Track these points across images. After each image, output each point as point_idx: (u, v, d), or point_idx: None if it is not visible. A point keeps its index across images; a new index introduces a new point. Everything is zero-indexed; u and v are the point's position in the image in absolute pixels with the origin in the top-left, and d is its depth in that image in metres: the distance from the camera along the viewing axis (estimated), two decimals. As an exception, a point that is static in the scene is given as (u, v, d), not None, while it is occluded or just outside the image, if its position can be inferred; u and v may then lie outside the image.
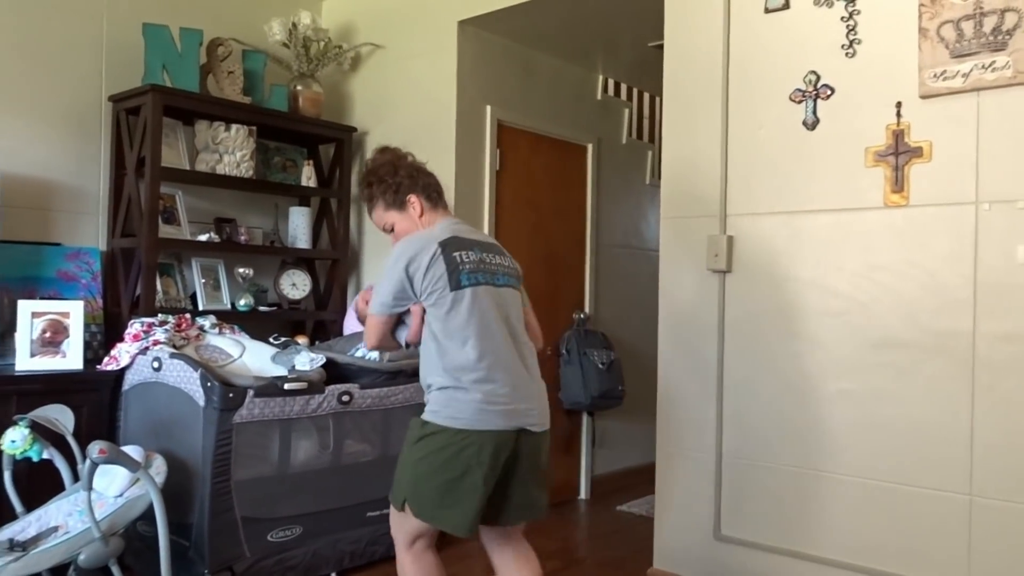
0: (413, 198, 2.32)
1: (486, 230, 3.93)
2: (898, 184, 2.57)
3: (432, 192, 2.36)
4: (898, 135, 2.57)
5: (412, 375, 3.30)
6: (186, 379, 2.84)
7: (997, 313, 2.39)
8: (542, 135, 4.29)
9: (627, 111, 4.95)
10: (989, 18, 2.37)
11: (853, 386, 2.66)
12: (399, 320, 2.26)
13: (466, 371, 2.09)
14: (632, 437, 4.78)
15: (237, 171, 3.63)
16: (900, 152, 2.57)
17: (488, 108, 3.94)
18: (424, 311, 2.17)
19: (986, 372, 2.41)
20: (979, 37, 2.39)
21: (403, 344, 2.29)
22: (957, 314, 2.46)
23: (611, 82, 4.90)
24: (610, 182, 4.74)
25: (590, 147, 4.58)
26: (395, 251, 2.23)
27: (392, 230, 2.36)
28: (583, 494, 4.56)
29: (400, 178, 2.32)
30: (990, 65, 2.37)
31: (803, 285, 2.78)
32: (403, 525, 2.21)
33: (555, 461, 4.03)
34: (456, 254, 2.17)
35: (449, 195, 3.74)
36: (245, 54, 3.78)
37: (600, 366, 4.27)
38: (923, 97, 2.52)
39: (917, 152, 2.54)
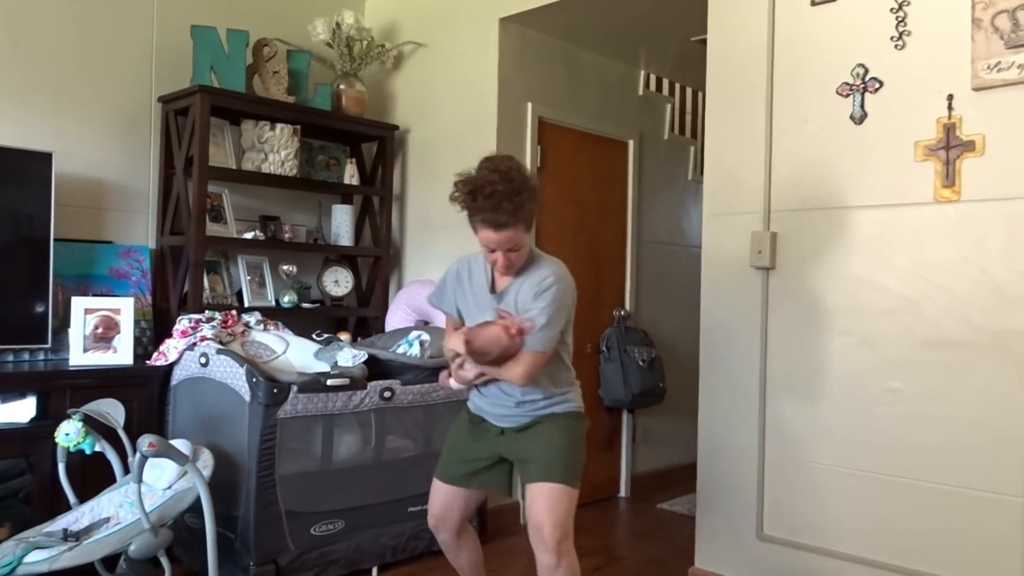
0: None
1: (527, 227, 3.93)
2: (949, 179, 2.51)
3: None
4: (949, 128, 2.51)
5: (453, 372, 3.31)
6: (232, 375, 2.89)
7: (1054, 312, 2.32)
8: (584, 131, 4.27)
9: (669, 107, 4.90)
10: (1046, 7, 2.29)
11: (903, 386, 2.60)
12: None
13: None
14: (673, 435, 4.74)
15: (281, 169, 3.69)
16: (951, 146, 2.50)
17: (529, 105, 3.93)
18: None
19: (1042, 372, 2.33)
20: (1036, 27, 2.31)
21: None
22: (1012, 312, 2.39)
23: (653, 77, 4.86)
24: (652, 178, 4.70)
25: (631, 143, 4.55)
26: (562, 288, 2.21)
27: (516, 250, 2.19)
28: (623, 492, 4.54)
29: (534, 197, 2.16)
30: (1047, 55, 2.29)
31: (850, 282, 2.72)
32: (572, 509, 2.27)
33: (595, 458, 4.03)
34: None
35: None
36: (290, 54, 3.84)
37: (641, 363, 4.25)
38: (976, 89, 2.45)
39: (969, 146, 2.47)
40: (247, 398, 2.82)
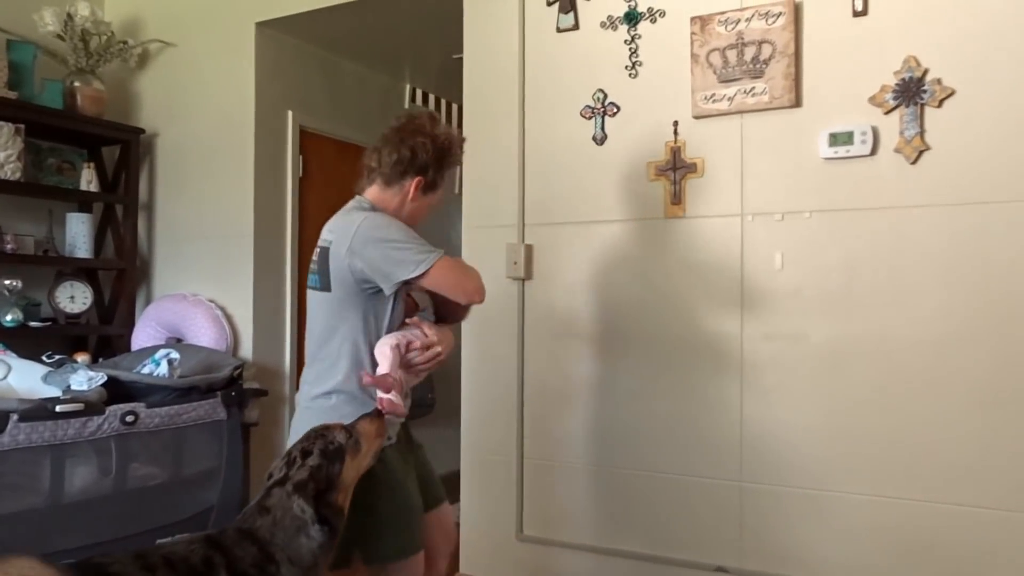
0: None
1: (288, 238, 3.82)
2: (676, 197, 2.78)
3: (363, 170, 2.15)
4: (676, 151, 2.78)
5: (206, 391, 3.14)
6: (-65, 405, 2.53)
7: (759, 314, 2.64)
8: (348, 142, 4.22)
9: (435, 121, 4.99)
10: (749, 48, 2.62)
11: (639, 385, 2.83)
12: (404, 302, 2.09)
13: None
14: (443, 444, 4.77)
15: (1, 173, 3.28)
16: (678, 167, 2.78)
17: (290, 113, 3.83)
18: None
19: (751, 368, 2.65)
20: (741, 65, 2.63)
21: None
22: (727, 316, 2.69)
23: (419, 91, 4.92)
24: (418, 191, 4.74)
25: (398, 156, 4.56)
26: None
27: None
28: (395, 504, 4.52)
29: None
30: (751, 90, 2.62)
31: (595, 291, 2.93)
32: None
33: (364, 473, 3.97)
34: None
35: (248, 202, 3.64)
36: (11, 44, 3.43)
37: (410, 375, 4.25)
38: (696, 117, 2.74)
39: (692, 168, 2.75)
40: (-47, 432, 2.48)
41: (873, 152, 2.48)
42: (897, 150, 2.45)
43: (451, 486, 4.51)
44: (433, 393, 4.42)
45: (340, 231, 1.99)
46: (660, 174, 2.81)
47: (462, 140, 2.22)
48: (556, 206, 3.01)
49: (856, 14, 2.51)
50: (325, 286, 2.00)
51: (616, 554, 2.86)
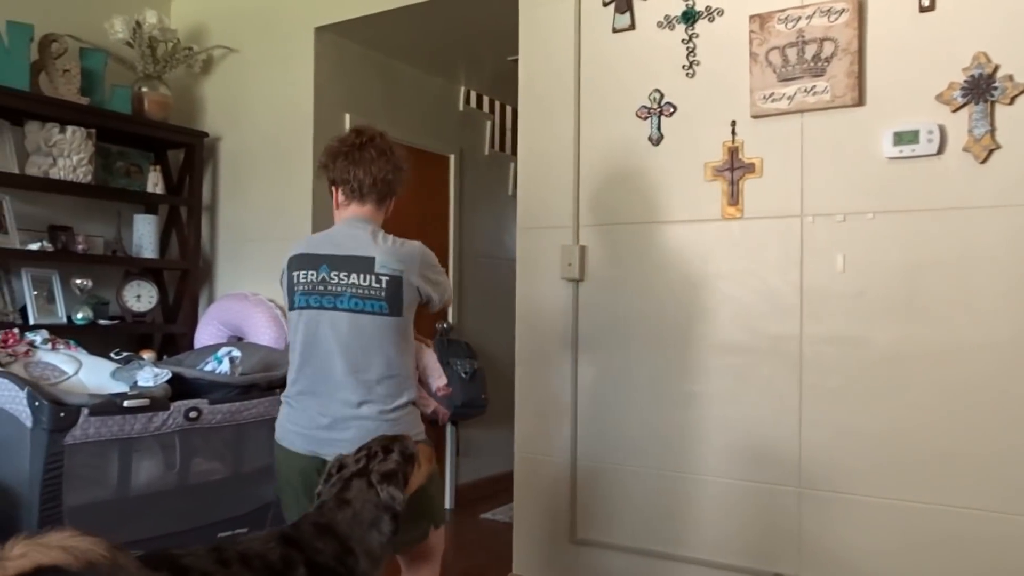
0: (334, 188, 2.26)
1: (345, 240, 3.87)
2: (733, 197, 2.74)
3: (348, 186, 2.20)
4: (733, 151, 2.74)
5: (265, 389, 3.20)
6: (11, 399, 2.63)
7: (820, 318, 2.59)
8: (404, 145, 4.23)
9: (489, 123, 5.02)
10: (810, 46, 2.57)
11: (700, 388, 2.80)
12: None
13: (288, 387, 2.22)
14: (496, 445, 4.81)
15: (74, 175, 3.41)
16: (735, 167, 2.74)
17: (347, 116, 3.88)
18: None
19: (811, 372, 2.60)
20: (802, 63, 2.58)
21: None
22: (786, 318, 2.64)
23: (473, 94, 4.95)
24: (473, 193, 4.78)
25: (452, 158, 4.61)
26: None
27: None
28: (448, 503, 4.56)
29: (325, 160, 2.24)
30: (811, 89, 2.57)
31: (652, 293, 2.90)
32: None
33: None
34: (296, 273, 2.17)
35: (307, 205, 3.71)
36: (83, 52, 3.57)
37: (463, 375, 4.29)
38: (754, 117, 2.70)
39: (750, 168, 2.71)
40: (28, 424, 2.57)
41: (940, 151, 2.40)
42: (965, 149, 2.37)
43: (503, 487, 4.55)
44: (486, 393, 4.45)
45: (406, 260, 2.15)
46: (717, 174, 2.77)
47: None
48: (611, 207, 3.00)
49: (923, 9, 2.44)
50: (395, 311, 2.13)
51: (670, 558, 2.83)
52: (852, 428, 2.52)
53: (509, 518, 4.11)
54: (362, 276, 2.10)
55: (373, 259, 2.10)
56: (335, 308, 2.11)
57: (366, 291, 2.10)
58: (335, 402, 2.11)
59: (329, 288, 2.12)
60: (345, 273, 2.12)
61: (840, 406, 2.55)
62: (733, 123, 2.74)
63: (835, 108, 2.55)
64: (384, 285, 2.10)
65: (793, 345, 2.63)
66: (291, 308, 2.20)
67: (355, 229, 2.18)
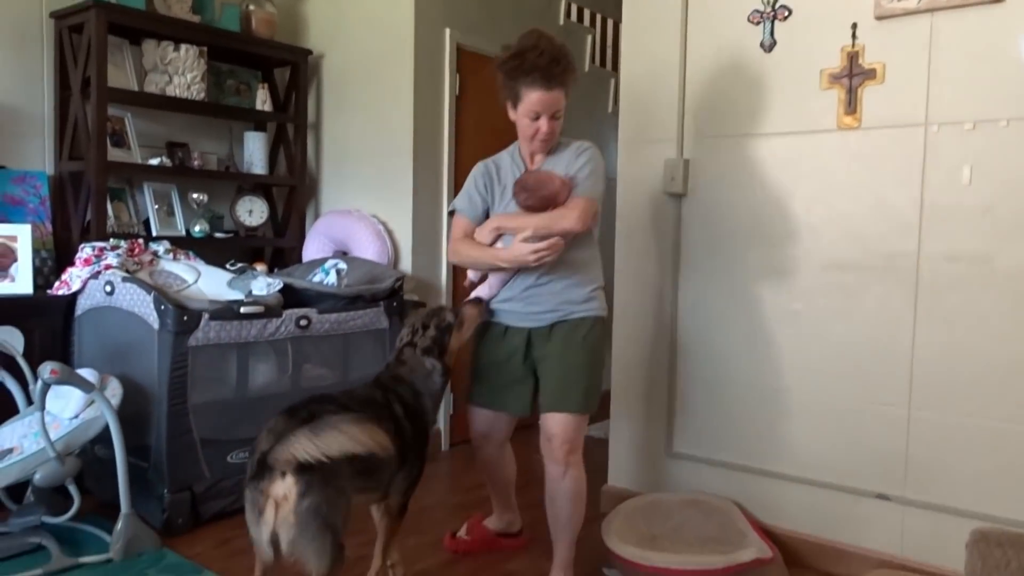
0: None
1: (446, 157, 3.89)
2: (851, 106, 2.59)
3: None
4: (852, 57, 2.58)
5: (370, 301, 3.31)
6: (140, 303, 2.82)
7: (941, 234, 2.45)
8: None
9: (590, 37, 4.89)
10: (945, -63, 2.36)
11: (800, 306, 2.72)
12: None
13: None
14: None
15: (188, 93, 3.54)
16: (854, 74, 2.58)
17: (447, 31, 3.86)
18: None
19: (928, 292, 2.47)
20: (935, -44, 2.38)
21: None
22: (904, 236, 2.51)
23: (574, 7, 4.82)
24: (572, 110, 4.61)
25: (552, 73, 4.51)
26: (598, 154, 2.44)
27: (558, 118, 2.39)
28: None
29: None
30: (944, -15, 2.37)
31: (757, 208, 2.81)
32: (583, 428, 2.43)
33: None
34: None
35: (408, 121, 3.73)
36: (194, -30, 3.64)
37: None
38: (878, 18, 2.52)
39: (870, 74, 2.55)
40: (156, 326, 2.76)
41: (1090, 50, 2.19)
42: (1120, 47, 2.15)
43: (601, 402, 4.58)
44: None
45: None
46: (834, 82, 2.62)
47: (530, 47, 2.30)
48: (718, 118, 2.89)
49: None
50: None
51: (768, 475, 2.81)
52: (968, 348, 2.41)
53: (605, 434, 4.17)
54: None
55: None
56: None
57: None
58: None
59: None
60: None
61: (958, 326, 2.43)
62: (854, 26, 2.57)
63: (970, 6, 2.35)
64: None
65: (910, 262, 2.50)
66: None
67: None
